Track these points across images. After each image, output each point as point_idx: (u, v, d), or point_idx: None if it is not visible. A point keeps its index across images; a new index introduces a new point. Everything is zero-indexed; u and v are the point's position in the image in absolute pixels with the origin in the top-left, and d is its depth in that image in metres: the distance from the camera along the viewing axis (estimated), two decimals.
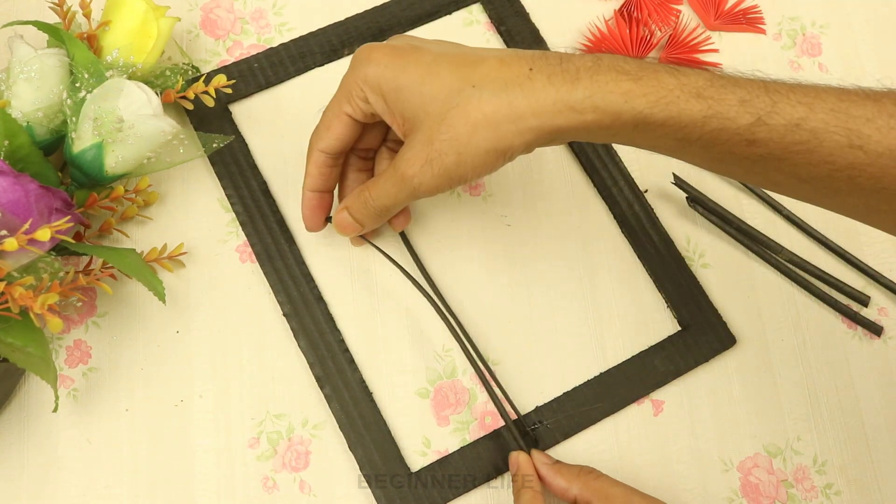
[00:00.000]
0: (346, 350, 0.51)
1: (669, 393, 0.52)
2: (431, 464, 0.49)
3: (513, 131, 0.40)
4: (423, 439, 0.50)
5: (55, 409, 0.45)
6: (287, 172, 0.54)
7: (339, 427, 0.49)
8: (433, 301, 0.48)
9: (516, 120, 0.40)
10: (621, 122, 0.39)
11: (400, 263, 0.50)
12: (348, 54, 0.58)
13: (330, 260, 0.53)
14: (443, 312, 0.48)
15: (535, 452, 0.48)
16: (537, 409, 0.50)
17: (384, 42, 0.44)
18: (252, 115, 0.56)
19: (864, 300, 0.55)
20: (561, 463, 0.47)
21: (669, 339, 0.52)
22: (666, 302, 0.53)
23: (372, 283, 0.52)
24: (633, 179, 0.56)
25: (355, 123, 0.46)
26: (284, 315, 0.51)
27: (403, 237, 0.52)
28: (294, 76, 0.57)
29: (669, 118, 0.39)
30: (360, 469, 0.48)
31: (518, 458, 0.47)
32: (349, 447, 0.49)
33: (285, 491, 0.48)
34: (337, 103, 0.45)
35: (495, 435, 0.50)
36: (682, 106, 0.39)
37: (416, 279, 0.51)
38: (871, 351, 0.54)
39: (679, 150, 0.41)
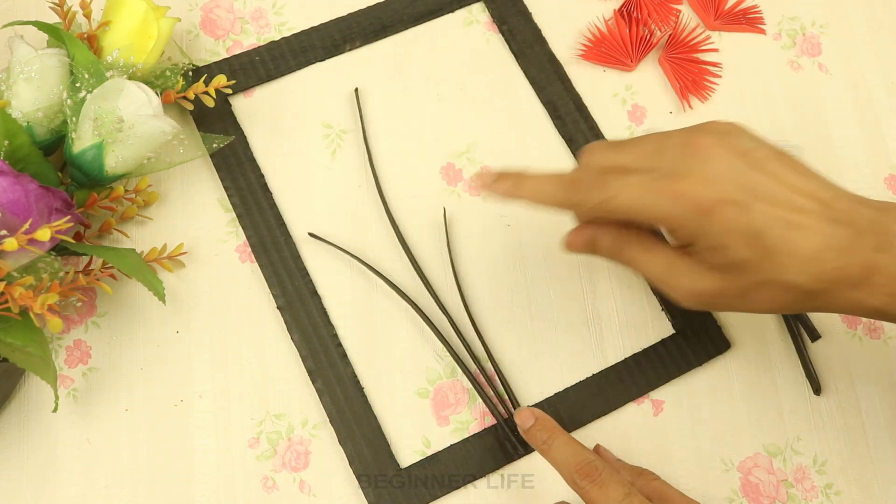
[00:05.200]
0: (339, 345, 0.50)
1: (669, 393, 0.52)
2: (421, 460, 0.49)
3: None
4: (423, 439, 0.50)
5: (55, 409, 0.45)
6: (286, 166, 0.54)
7: (330, 421, 0.49)
8: (422, 312, 0.48)
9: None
10: None
11: (400, 265, 0.50)
12: (349, 49, 0.58)
13: (327, 257, 0.53)
14: (440, 316, 0.48)
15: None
16: (536, 405, 0.50)
17: (730, 147, 0.39)
18: (252, 108, 0.56)
19: None
20: (620, 461, 0.48)
21: (665, 342, 0.52)
22: (661, 304, 0.53)
23: (371, 280, 0.52)
24: None
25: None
26: (278, 308, 0.51)
27: (401, 239, 0.53)
28: (295, 70, 0.57)
29: None
30: (350, 464, 0.48)
31: (522, 412, 0.46)
32: (339, 441, 0.48)
33: (285, 491, 0.48)
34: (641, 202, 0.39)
35: (486, 433, 0.50)
36: None
37: (415, 277, 0.51)
38: (871, 351, 0.54)
39: None
